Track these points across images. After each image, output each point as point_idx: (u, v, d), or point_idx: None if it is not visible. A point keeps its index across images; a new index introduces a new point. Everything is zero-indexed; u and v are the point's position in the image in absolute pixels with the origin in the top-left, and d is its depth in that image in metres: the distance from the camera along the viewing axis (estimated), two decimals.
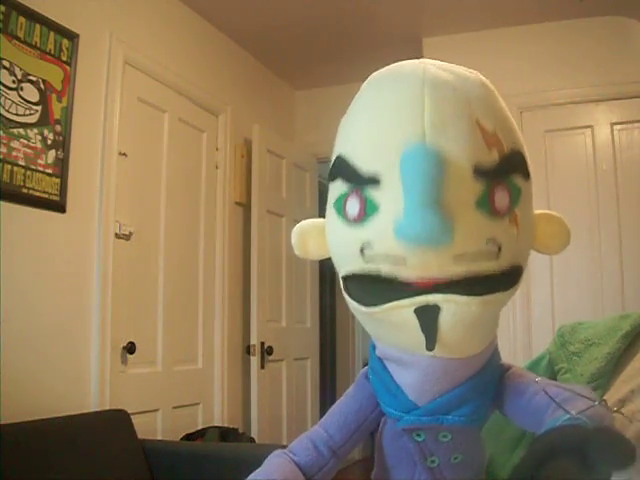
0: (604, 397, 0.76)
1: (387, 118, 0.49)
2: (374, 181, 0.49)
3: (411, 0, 3.31)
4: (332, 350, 5.11)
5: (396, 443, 0.59)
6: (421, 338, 0.51)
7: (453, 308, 0.49)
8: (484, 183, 0.49)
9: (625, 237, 3.27)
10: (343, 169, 0.52)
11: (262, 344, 3.49)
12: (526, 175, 0.53)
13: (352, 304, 0.54)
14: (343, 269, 0.54)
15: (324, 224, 0.57)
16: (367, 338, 0.60)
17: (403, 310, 0.50)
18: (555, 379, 0.85)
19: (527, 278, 3.44)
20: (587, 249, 3.33)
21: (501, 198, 0.50)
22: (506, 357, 0.65)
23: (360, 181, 0.50)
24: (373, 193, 0.50)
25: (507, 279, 0.52)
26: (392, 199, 0.48)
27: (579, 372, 0.83)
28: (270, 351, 3.54)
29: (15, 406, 2.07)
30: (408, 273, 0.49)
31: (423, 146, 0.47)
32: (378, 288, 0.51)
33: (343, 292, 0.55)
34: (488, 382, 0.57)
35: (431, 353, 0.52)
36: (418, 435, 0.56)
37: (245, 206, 3.69)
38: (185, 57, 3.28)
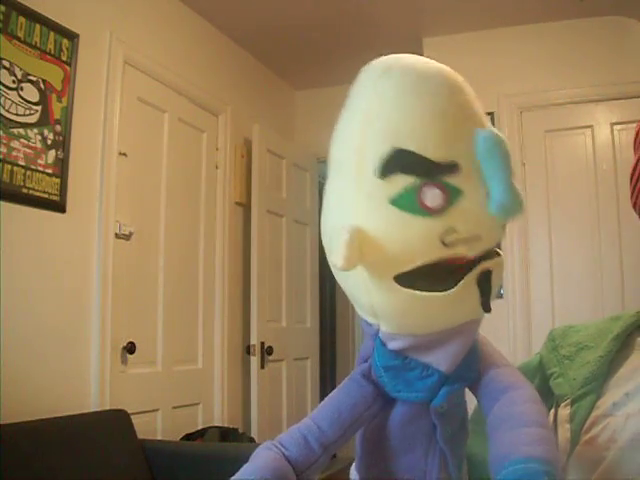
0: (598, 401, 0.76)
1: (448, 112, 0.52)
2: (453, 168, 0.51)
3: (411, 0, 3.31)
4: (332, 350, 5.11)
5: (411, 426, 0.59)
6: (470, 307, 0.54)
7: (498, 268, 0.54)
8: None
9: (625, 237, 3.27)
10: (408, 162, 0.51)
11: (262, 344, 3.49)
12: None
13: (418, 294, 0.53)
14: (409, 265, 0.52)
15: (360, 231, 0.52)
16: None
17: (469, 283, 0.53)
18: (547, 383, 0.85)
19: (527, 278, 3.46)
20: (587, 249, 3.33)
21: None
22: (506, 356, 0.65)
23: (437, 170, 0.51)
24: (454, 180, 0.51)
25: None
26: (474, 182, 0.51)
27: (571, 376, 0.82)
28: (270, 351, 3.54)
29: (15, 406, 2.07)
30: (479, 248, 0.53)
31: (493, 131, 0.51)
32: (440, 275, 0.53)
33: (397, 287, 0.53)
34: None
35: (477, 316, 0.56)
36: (442, 407, 0.57)
37: (245, 206, 3.69)
38: (185, 57, 3.28)
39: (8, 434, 1.89)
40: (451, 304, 0.54)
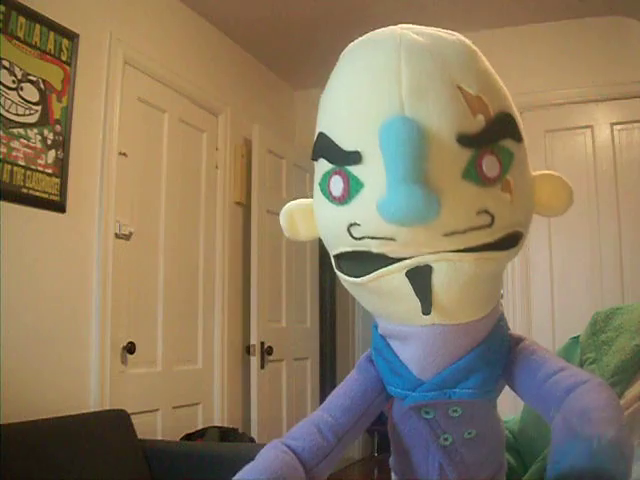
0: (626, 391, 0.72)
1: (362, 89, 0.47)
2: (356, 158, 0.47)
3: (411, 0, 3.31)
4: (332, 350, 5.11)
5: (407, 424, 0.57)
6: (416, 304, 0.49)
7: (445, 266, 0.47)
8: (470, 151, 0.46)
9: (625, 237, 3.27)
10: (325, 146, 0.49)
11: (262, 344, 3.49)
12: (518, 138, 0.50)
13: (344, 278, 0.52)
14: (334, 249, 0.52)
15: (312, 204, 0.55)
16: (367, 337, 0.58)
17: (394, 276, 0.48)
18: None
19: (527, 279, 3.46)
20: (587, 249, 3.33)
21: (490, 165, 0.47)
22: None
23: (342, 159, 0.48)
24: (356, 170, 0.47)
25: (504, 244, 0.49)
26: (376, 176, 0.45)
27: (605, 362, 0.78)
28: (270, 351, 3.54)
29: (15, 406, 2.07)
30: (399, 251, 0.48)
31: (402, 117, 0.44)
32: (370, 261, 0.49)
33: (335, 269, 0.54)
34: (495, 352, 0.54)
35: (428, 319, 0.49)
36: (427, 413, 0.54)
37: (245, 206, 3.69)
38: (185, 57, 3.28)
39: (8, 434, 1.89)
40: (376, 295, 0.50)
